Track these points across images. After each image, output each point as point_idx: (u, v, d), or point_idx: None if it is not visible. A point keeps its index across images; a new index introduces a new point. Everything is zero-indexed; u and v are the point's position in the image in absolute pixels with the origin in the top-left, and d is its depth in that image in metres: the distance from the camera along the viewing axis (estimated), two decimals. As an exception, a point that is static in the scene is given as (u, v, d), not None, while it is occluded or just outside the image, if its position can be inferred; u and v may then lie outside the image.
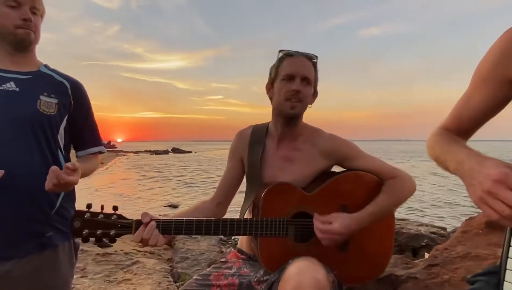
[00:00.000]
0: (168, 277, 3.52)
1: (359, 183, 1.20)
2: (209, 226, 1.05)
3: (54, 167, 1.02)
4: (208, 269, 1.22)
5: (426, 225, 3.68)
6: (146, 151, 61.31)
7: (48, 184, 1.02)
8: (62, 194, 1.23)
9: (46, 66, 1.27)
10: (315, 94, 1.25)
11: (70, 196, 1.28)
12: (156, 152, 59.18)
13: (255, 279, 1.13)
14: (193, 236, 5.88)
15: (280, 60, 1.22)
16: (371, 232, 1.18)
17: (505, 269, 0.61)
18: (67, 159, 1.27)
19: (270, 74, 1.25)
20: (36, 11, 1.18)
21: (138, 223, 1.03)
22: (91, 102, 1.35)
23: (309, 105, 1.24)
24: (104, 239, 1.00)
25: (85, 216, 0.98)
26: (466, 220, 1.85)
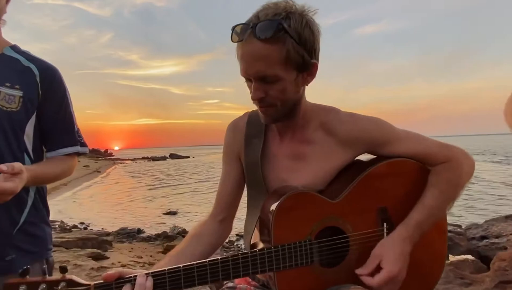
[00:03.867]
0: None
1: (398, 174, 0.93)
2: (204, 274, 0.76)
3: None
4: None
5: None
6: (144, 158, 60.93)
7: None
8: (28, 207, 1.00)
9: (14, 47, 1.05)
10: (303, 74, 0.85)
11: (39, 208, 1.05)
12: (154, 159, 58.82)
13: None
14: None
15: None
16: None
17: None
18: None
19: None
20: None
21: (99, 288, 0.72)
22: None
23: (305, 86, 0.89)
24: None
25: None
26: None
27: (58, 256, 4.34)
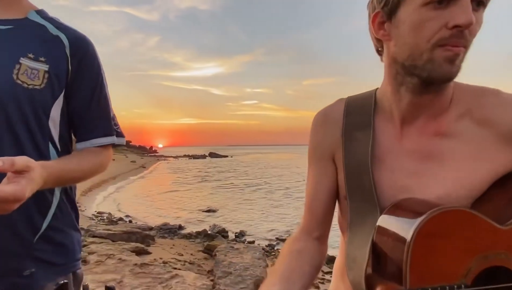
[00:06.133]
0: (210, 296, 3.08)
1: None
2: None
3: None
4: None
5: None
6: (185, 156, 63.32)
7: None
8: (52, 209, 0.81)
9: (40, 12, 0.86)
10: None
11: (65, 211, 0.86)
12: (194, 157, 60.86)
13: None
14: (235, 247, 5.47)
15: None
16: None
17: None
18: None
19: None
20: None
21: None
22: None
23: None
24: None
25: None
26: None
27: (104, 248, 4.45)
